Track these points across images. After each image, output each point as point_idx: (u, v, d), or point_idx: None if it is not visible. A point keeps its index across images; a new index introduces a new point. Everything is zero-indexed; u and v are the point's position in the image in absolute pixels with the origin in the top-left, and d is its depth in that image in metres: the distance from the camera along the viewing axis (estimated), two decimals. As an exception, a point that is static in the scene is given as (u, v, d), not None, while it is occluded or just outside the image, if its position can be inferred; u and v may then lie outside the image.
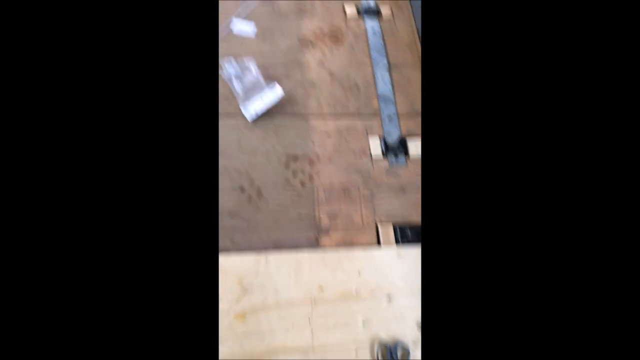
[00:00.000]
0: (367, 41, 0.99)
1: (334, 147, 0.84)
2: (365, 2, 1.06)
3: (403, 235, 0.75)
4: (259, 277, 0.68)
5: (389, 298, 0.68)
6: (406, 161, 0.84)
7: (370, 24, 1.02)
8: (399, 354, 0.64)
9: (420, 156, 0.85)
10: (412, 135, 0.87)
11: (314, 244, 0.74)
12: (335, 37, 1.00)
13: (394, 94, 0.92)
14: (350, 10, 1.04)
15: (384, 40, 1.00)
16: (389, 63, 0.96)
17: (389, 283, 0.70)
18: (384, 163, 0.83)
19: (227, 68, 0.87)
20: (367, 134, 0.86)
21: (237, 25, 0.98)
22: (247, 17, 1.00)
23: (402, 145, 0.85)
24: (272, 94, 0.85)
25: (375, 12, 1.04)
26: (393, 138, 0.86)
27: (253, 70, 0.87)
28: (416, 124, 0.89)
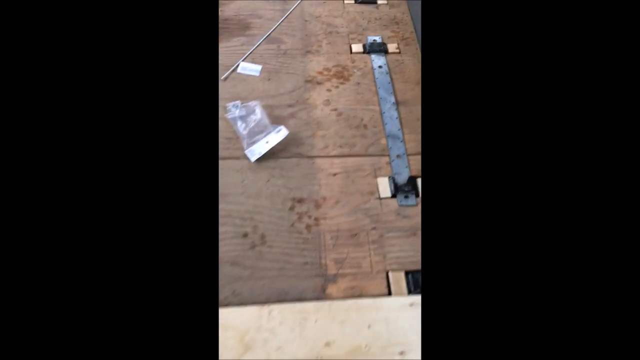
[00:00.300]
0: (374, 78, 0.98)
1: (340, 189, 0.81)
2: (371, 37, 1.07)
3: (415, 284, 0.71)
4: (262, 332, 0.64)
5: (402, 354, 0.63)
6: (416, 201, 0.80)
7: (377, 60, 1.02)
8: None
9: (431, 196, 0.81)
10: (420, 174, 0.84)
11: (320, 293, 0.70)
12: (342, 75, 0.99)
13: (403, 132, 0.90)
14: (357, 47, 1.04)
15: (391, 76, 0.99)
16: (396, 100, 0.95)
17: (402, 337, 0.65)
18: (394, 204, 0.80)
19: (232, 110, 0.87)
20: (375, 173, 0.84)
21: (242, 66, 0.99)
22: (253, 58, 1.01)
23: (412, 185, 0.82)
24: (277, 136, 0.84)
25: (382, 49, 1.04)
26: (402, 178, 0.83)
27: (258, 113, 0.86)
28: (426, 163, 0.86)
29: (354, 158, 0.86)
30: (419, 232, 0.77)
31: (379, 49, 1.04)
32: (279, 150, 0.85)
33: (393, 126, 0.91)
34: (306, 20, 1.09)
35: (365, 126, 0.91)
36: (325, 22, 1.09)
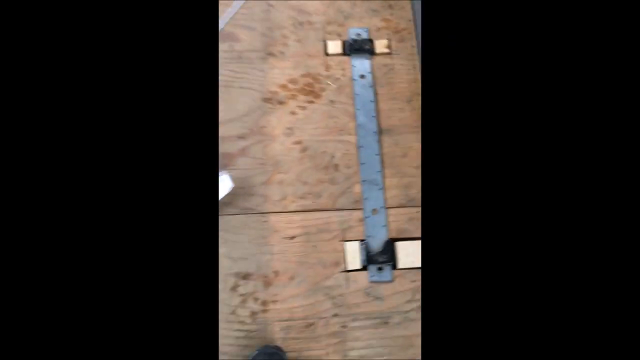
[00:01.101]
0: (352, 94, 0.76)
1: (298, 258, 0.65)
2: (354, 30, 0.81)
3: (380, 393, 0.58)
4: None
5: None
6: (392, 276, 0.64)
7: (359, 66, 0.78)
8: None
9: (412, 267, 0.65)
10: (404, 236, 0.67)
11: (265, 401, 0.58)
12: (311, 90, 0.77)
13: (383, 175, 0.70)
14: (334, 46, 0.80)
15: (375, 91, 0.76)
16: (379, 127, 0.74)
17: None
18: (363, 279, 0.64)
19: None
20: (343, 235, 0.67)
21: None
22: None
23: (389, 253, 0.65)
24: (220, 188, 0.66)
25: (367, 48, 0.79)
26: (378, 242, 0.66)
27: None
28: (410, 220, 0.68)
29: (319, 214, 0.68)
30: (393, 319, 0.62)
31: (364, 48, 0.79)
32: (222, 204, 0.68)
33: (371, 166, 0.71)
34: (270, 5, 0.83)
35: (336, 166, 0.71)
36: (296, 8, 0.83)
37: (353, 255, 0.65)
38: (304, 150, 0.72)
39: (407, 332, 0.61)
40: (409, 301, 0.63)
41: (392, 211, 0.68)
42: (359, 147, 0.72)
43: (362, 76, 0.77)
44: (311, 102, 0.76)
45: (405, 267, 0.65)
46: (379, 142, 0.72)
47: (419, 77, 0.77)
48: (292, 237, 0.67)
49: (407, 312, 0.63)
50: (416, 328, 0.62)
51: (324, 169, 0.71)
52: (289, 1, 0.84)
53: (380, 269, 0.65)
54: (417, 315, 0.63)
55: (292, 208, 0.68)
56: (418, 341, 0.61)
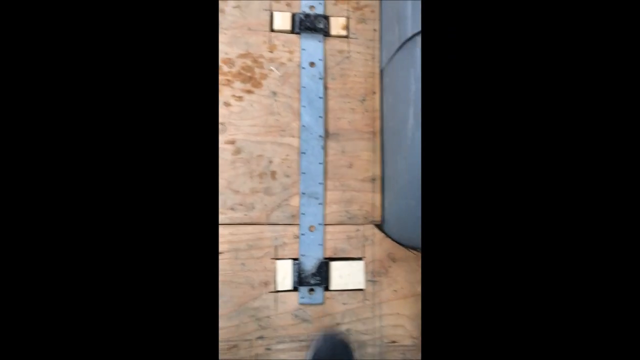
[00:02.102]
0: (299, 85, 0.65)
1: (224, 276, 0.60)
2: (307, 2, 0.67)
3: (300, 412, 0.59)
4: None
5: None
6: (323, 297, 0.62)
7: (310, 50, 0.66)
8: None
9: (345, 289, 0.63)
10: (340, 256, 0.63)
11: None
12: (251, 75, 0.64)
13: (325, 188, 0.64)
14: (282, 19, 0.65)
15: (325, 85, 0.65)
16: (326, 130, 0.65)
17: None
18: (293, 301, 0.61)
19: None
20: (275, 253, 0.62)
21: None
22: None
23: (323, 274, 0.62)
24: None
25: (321, 27, 0.66)
26: (311, 262, 0.62)
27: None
28: (348, 238, 0.63)
29: (250, 228, 0.62)
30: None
31: (317, 27, 0.66)
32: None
33: (313, 177, 0.64)
34: (203, -49, 0.65)
35: (273, 174, 0.63)
36: (237, -42, 0.66)
37: (284, 275, 0.61)
38: (237, 152, 0.62)
39: (332, 354, 0.61)
40: (337, 324, 0.62)
41: (330, 228, 0.63)
42: (301, 153, 0.63)
43: (312, 64, 0.65)
44: (249, 91, 0.64)
45: (338, 289, 0.62)
46: (324, 147, 0.64)
47: (377, 70, 0.67)
48: (219, 251, 0.60)
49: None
50: (342, 347, 0.62)
51: (259, 176, 0.62)
52: (228, -52, 0.65)
53: (311, 290, 0.62)
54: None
55: (220, 220, 0.61)
56: (342, 360, 0.62)
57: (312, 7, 0.66)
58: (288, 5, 0.66)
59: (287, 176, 0.63)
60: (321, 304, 0.62)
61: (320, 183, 0.63)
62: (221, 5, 0.64)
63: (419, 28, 0.53)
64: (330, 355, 0.57)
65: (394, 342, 0.63)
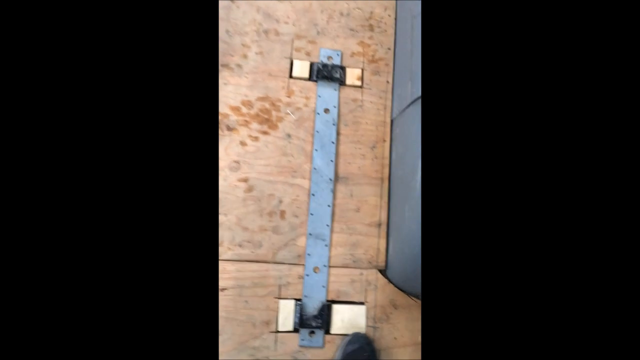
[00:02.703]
0: (313, 130, 0.68)
1: (227, 313, 0.60)
2: (326, 51, 0.71)
3: None
4: None
5: None
6: (324, 341, 0.62)
7: (326, 97, 0.69)
8: None
9: (345, 333, 0.63)
10: (343, 299, 0.64)
11: None
12: (268, 117, 0.67)
13: (332, 229, 0.65)
14: (301, 67, 0.70)
15: (338, 131, 0.69)
16: (336, 174, 0.67)
17: None
18: (293, 342, 0.61)
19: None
20: (279, 292, 0.62)
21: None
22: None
23: (324, 316, 0.62)
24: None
25: (338, 76, 0.70)
26: (314, 303, 0.63)
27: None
28: (352, 282, 0.64)
29: (256, 265, 0.63)
30: (316, 386, 0.60)
31: (334, 76, 0.70)
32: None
33: (321, 219, 0.65)
34: (233, 1, 0.70)
35: (282, 214, 0.65)
36: (263, 10, 0.71)
37: (286, 315, 0.61)
38: (249, 190, 0.64)
39: (329, 400, 0.61)
40: (336, 369, 0.61)
41: (334, 270, 0.64)
42: (311, 194, 0.65)
43: (327, 110, 0.69)
44: (265, 132, 0.67)
45: (338, 333, 0.62)
46: (334, 190, 0.66)
47: (388, 120, 0.70)
48: (223, 289, 0.61)
49: (332, 379, 0.61)
50: (339, 395, 0.61)
51: (268, 214, 0.64)
52: (255, 0, 0.71)
53: (312, 332, 0.62)
54: (342, 382, 0.62)
55: (227, 256, 0.62)
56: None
57: (330, 57, 0.71)
58: (307, 54, 0.70)
59: (296, 216, 0.65)
60: (321, 347, 0.62)
61: (327, 225, 0.65)
62: (244, 50, 0.68)
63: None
64: (359, 354, 0.59)
65: (391, 391, 0.62)
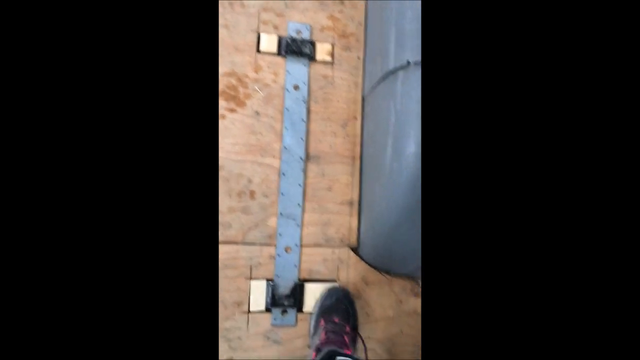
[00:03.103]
0: (282, 107, 0.66)
1: (196, 295, 0.59)
2: (295, 25, 0.68)
3: None
4: None
5: None
6: (296, 319, 0.62)
7: (295, 73, 0.67)
8: None
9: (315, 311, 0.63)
10: (315, 277, 0.64)
11: None
12: (235, 94, 0.65)
13: (303, 209, 0.65)
14: (269, 41, 0.67)
15: (308, 108, 0.67)
16: (307, 153, 0.66)
17: None
18: (265, 322, 0.61)
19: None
20: (250, 273, 0.61)
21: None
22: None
23: (296, 295, 0.62)
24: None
25: (307, 52, 0.68)
26: (286, 283, 0.62)
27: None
28: (324, 261, 0.64)
29: (226, 247, 0.61)
30: (289, 364, 0.61)
31: (303, 51, 0.68)
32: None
33: (292, 198, 0.64)
34: (194, -31, 0.66)
35: (252, 194, 0.63)
36: (227, -21, 0.67)
37: (258, 296, 0.61)
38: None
39: (302, 377, 0.61)
40: (309, 346, 0.62)
41: (306, 250, 0.64)
42: (281, 173, 0.64)
43: (296, 87, 0.67)
44: (233, 110, 0.64)
45: (311, 311, 0.63)
46: (305, 170, 0.65)
47: (359, 97, 0.69)
48: (192, 272, 0.59)
49: (305, 356, 0.62)
50: (312, 371, 0.62)
51: (237, 195, 0.62)
52: (219, -32, 0.66)
53: (284, 311, 0.62)
54: None
55: (195, 238, 0.60)
56: (312, 383, 0.62)
57: (299, 32, 0.68)
58: (275, 28, 0.67)
59: (266, 196, 0.63)
60: (293, 325, 0.62)
61: (298, 205, 0.64)
62: (209, 23, 0.65)
63: (400, 62, 0.55)
64: (335, 302, 0.60)
65: (363, 365, 0.63)
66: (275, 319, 0.61)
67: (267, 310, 0.61)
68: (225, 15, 0.65)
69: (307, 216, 0.64)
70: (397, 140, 0.53)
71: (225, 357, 0.59)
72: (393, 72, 0.56)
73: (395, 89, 0.56)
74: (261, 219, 0.63)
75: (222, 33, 0.65)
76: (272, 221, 0.63)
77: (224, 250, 0.61)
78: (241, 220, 0.62)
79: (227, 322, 0.59)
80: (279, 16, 0.68)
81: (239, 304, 0.60)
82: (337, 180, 0.66)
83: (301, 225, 0.64)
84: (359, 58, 0.70)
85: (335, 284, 0.63)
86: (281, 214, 0.63)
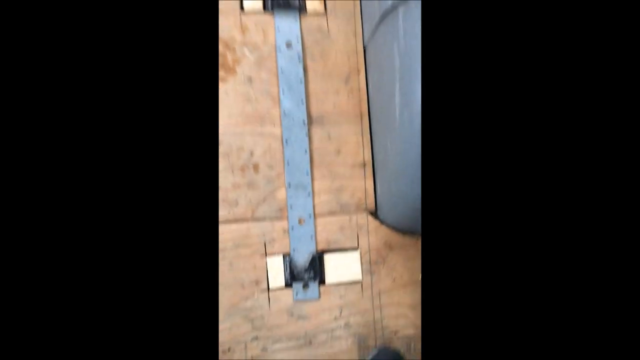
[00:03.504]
0: (276, 69, 0.60)
1: (212, 278, 0.57)
2: (280, -25, 0.61)
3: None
4: None
5: None
6: (319, 292, 0.59)
7: (285, 30, 0.61)
8: None
9: (341, 282, 0.60)
10: (333, 248, 0.60)
11: None
12: (223, 60, 0.59)
13: (312, 177, 0.60)
14: (252, 1, 0.60)
15: (305, 65, 0.61)
16: (309, 115, 0.60)
17: None
18: (287, 298, 0.58)
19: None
20: (265, 249, 0.58)
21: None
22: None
23: (316, 268, 0.59)
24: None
25: (296, 4, 0.61)
26: (303, 256, 0.59)
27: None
28: (341, 229, 0.60)
29: (235, 225, 0.58)
30: (317, 339, 0.58)
31: (291, 3, 0.61)
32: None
33: (298, 167, 0.60)
34: None
35: (255, 167, 0.59)
36: None
37: (276, 272, 0.58)
38: (215, 145, 0.58)
39: (332, 350, 0.59)
40: (335, 318, 0.59)
41: (320, 219, 0.60)
42: (284, 140, 0.59)
43: (289, 44, 0.61)
44: (222, 79, 0.59)
45: (334, 283, 0.59)
46: (309, 134, 0.60)
47: (360, 46, 0.62)
48: (204, 255, 0.57)
49: (333, 329, 0.59)
50: (342, 345, 0.59)
51: (240, 170, 0.59)
52: None
53: (306, 285, 0.58)
54: (344, 333, 0.59)
55: (202, 220, 0.57)
56: (344, 357, 0.59)
57: (284, -18, 0.61)
58: (258, -18, 0.61)
59: (271, 168, 0.59)
60: (317, 299, 0.59)
61: (306, 173, 0.59)
62: (185, -13, 0.59)
63: (399, -4, 0.48)
64: None
65: (396, 332, 0.60)
66: (297, 294, 0.58)
67: (288, 285, 0.58)
68: (201, -25, 0.59)
69: (317, 184, 0.60)
70: (405, 85, 0.47)
71: (250, 337, 0.57)
72: (392, 9, 0.49)
73: (396, 28, 0.49)
74: (269, 192, 0.59)
75: None
76: (281, 193, 0.59)
77: (233, 229, 0.58)
78: (248, 196, 0.58)
79: (248, 302, 0.57)
80: (261, -32, 0.61)
81: (257, 283, 0.57)
82: (345, 141, 0.61)
83: (312, 194, 0.60)
84: (355, 5, 0.63)
85: (387, 345, 0.59)
86: (289, 184, 0.59)
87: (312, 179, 0.60)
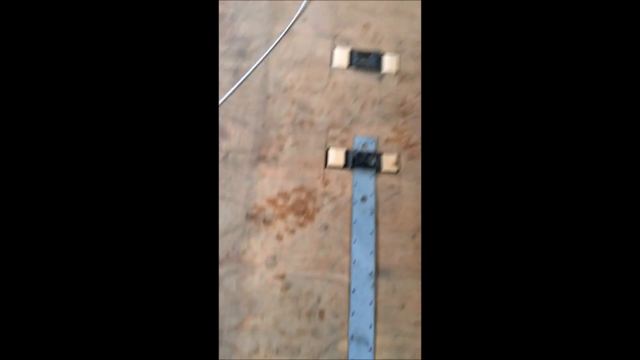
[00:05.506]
0: (350, 220, 0.66)
1: None
2: (361, 139, 0.71)
3: None
4: None
5: None
6: None
7: (362, 185, 0.68)
8: None
9: None
10: (390, 413, 0.57)
11: None
12: (304, 208, 0.66)
13: (375, 331, 0.60)
14: (336, 156, 0.69)
15: (376, 219, 0.66)
16: (377, 267, 0.64)
17: None
18: None
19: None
20: (320, 406, 0.56)
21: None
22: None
23: None
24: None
25: (374, 164, 0.69)
26: (359, 419, 0.56)
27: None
28: (400, 391, 0.58)
29: (294, 374, 0.58)
30: None
31: (370, 163, 0.69)
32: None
33: (363, 318, 0.61)
34: (268, 96, 0.72)
35: (321, 314, 0.61)
36: (297, 102, 0.72)
37: None
38: (286, 287, 0.61)
39: None
40: None
41: (380, 378, 0.58)
42: (351, 290, 0.61)
43: (364, 199, 0.67)
44: (302, 225, 0.65)
45: None
46: (375, 285, 0.62)
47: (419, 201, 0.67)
48: (259, 404, 0.55)
49: None
50: None
51: (307, 315, 0.60)
52: (290, 92, 0.73)
53: None
54: None
55: (263, 364, 0.57)
56: None
57: (364, 144, 0.70)
58: (342, 142, 0.70)
59: (336, 316, 0.60)
60: None
61: (370, 326, 0.60)
62: (280, 142, 0.69)
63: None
64: None
65: None
66: None
67: None
68: (296, 134, 0.69)
69: (379, 339, 0.59)
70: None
71: None
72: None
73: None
74: (331, 342, 0.59)
75: (292, 151, 0.69)
76: (342, 345, 0.59)
77: (292, 379, 0.57)
78: (311, 344, 0.58)
79: None
80: (345, 131, 0.71)
81: None
82: (409, 297, 0.62)
83: (374, 351, 0.59)
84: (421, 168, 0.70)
85: None
86: (352, 337, 0.59)
87: (375, 333, 0.60)
